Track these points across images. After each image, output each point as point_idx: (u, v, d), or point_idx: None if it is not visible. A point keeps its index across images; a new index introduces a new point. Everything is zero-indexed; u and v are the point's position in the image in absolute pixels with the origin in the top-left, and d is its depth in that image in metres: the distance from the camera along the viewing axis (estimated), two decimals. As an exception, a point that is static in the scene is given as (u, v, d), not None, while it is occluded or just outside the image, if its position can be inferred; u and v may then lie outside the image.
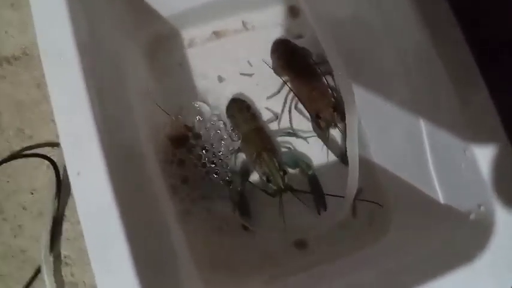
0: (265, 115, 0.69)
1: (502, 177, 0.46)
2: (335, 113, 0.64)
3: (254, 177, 0.66)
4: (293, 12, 0.71)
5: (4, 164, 0.66)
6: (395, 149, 0.61)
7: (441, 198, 0.54)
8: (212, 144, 0.67)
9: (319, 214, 0.65)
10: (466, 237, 0.49)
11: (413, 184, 0.58)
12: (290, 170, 0.65)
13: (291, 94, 0.67)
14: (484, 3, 0.65)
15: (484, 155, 0.46)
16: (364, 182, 0.64)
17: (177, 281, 0.54)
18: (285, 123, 0.69)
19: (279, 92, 0.68)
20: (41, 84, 0.69)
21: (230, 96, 0.69)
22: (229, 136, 0.67)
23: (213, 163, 0.66)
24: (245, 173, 0.65)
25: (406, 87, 0.57)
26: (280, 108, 0.69)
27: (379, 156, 0.65)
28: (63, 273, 0.64)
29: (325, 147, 0.67)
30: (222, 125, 0.68)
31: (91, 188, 0.43)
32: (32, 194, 0.66)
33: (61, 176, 0.65)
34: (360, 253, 0.60)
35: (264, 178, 0.63)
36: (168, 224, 0.58)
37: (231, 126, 0.68)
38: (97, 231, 0.42)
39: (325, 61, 0.65)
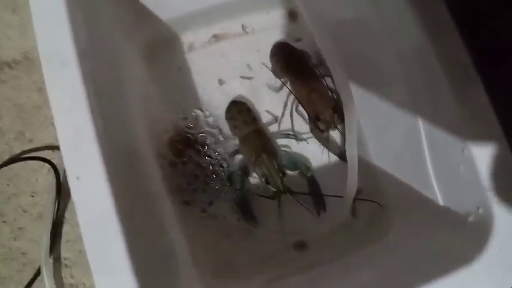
0: (265, 118, 0.69)
1: (501, 180, 0.46)
2: (335, 115, 0.64)
3: (253, 179, 0.67)
4: (292, 15, 0.71)
5: (4, 167, 0.66)
6: (394, 149, 0.62)
7: (440, 200, 0.54)
8: (211, 147, 0.67)
9: (319, 215, 0.65)
10: (465, 239, 0.49)
11: (412, 185, 0.58)
12: (289, 172, 0.66)
13: (292, 97, 0.68)
14: (482, 5, 0.65)
15: (482, 157, 0.46)
16: (364, 183, 0.64)
17: (176, 283, 0.54)
18: (285, 125, 0.69)
19: (278, 91, 0.69)
20: (41, 89, 0.69)
21: (231, 99, 0.69)
22: (227, 138, 0.68)
23: (212, 165, 0.66)
24: (244, 174, 0.66)
25: (405, 89, 0.57)
26: (280, 110, 0.69)
27: (378, 157, 0.65)
28: (63, 275, 0.64)
29: (324, 149, 0.67)
30: (220, 128, 0.68)
31: (90, 193, 0.43)
32: (32, 196, 0.67)
33: (61, 179, 0.65)
34: (360, 254, 0.60)
35: (263, 180, 0.63)
36: (168, 226, 0.58)
37: (230, 128, 0.68)
38: (96, 236, 0.42)
39: (325, 63, 0.65)
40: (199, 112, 0.68)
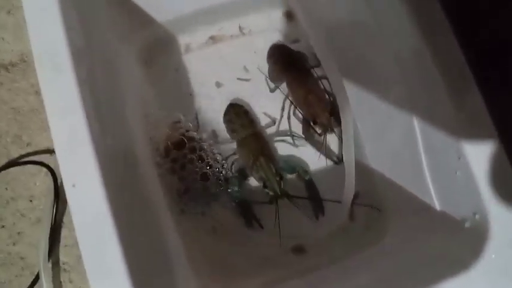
0: (263, 120, 0.69)
1: (497, 186, 0.45)
2: (331, 118, 0.64)
3: (251, 182, 0.67)
4: (289, 16, 0.71)
5: (2, 172, 0.66)
6: (391, 153, 0.61)
7: (437, 205, 0.54)
8: (208, 150, 0.67)
9: (317, 219, 0.65)
10: (461, 245, 0.49)
11: (409, 189, 0.58)
12: (287, 175, 0.65)
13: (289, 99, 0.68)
14: (478, 5, 0.65)
15: (478, 163, 0.46)
16: (361, 186, 0.64)
17: (173, 287, 0.54)
18: (283, 128, 0.69)
19: (273, 91, 0.69)
20: (39, 92, 0.68)
21: (228, 101, 0.69)
22: (224, 141, 0.68)
23: (209, 167, 0.66)
24: (242, 178, 0.65)
25: (402, 91, 0.57)
26: (278, 112, 0.69)
27: (375, 160, 0.65)
28: (61, 280, 0.65)
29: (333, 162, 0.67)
30: (217, 130, 0.68)
31: (86, 199, 0.43)
32: (31, 201, 0.67)
33: (59, 183, 0.65)
34: (357, 257, 0.60)
35: (261, 183, 0.63)
36: (165, 230, 0.58)
37: (228, 131, 0.68)
38: (92, 242, 0.42)
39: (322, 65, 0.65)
40: (196, 114, 0.68)
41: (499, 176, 0.46)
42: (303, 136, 0.67)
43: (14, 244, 0.66)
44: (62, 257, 0.65)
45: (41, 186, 0.67)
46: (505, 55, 0.63)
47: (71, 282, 0.65)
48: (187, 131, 0.67)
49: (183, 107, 0.68)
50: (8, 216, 0.66)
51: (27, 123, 0.68)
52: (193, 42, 0.71)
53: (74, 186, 0.43)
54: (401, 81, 0.56)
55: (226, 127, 0.67)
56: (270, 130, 0.69)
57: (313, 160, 0.67)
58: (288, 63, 0.67)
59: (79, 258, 0.64)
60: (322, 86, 0.67)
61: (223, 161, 0.67)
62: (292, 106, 0.67)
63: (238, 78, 0.70)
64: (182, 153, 0.66)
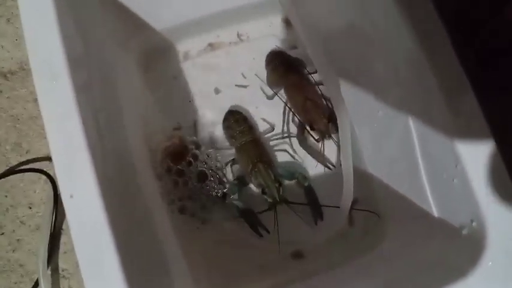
0: (262, 126, 0.69)
1: (494, 194, 0.45)
2: (329, 124, 0.64)
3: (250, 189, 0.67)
4: (288, 23, 0.71)
5: (2, 179, 0.66)
6: (389, 160, 0.61)
7: (435, 212, 0.53)
8: (207, 157, 0.67)
9: (316, 224, 0.65)
10: (459, 252, 0.49)
11: (407, 196, 0.58)
12: (286, 182, 0.66)
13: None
14: (473, 13, 0.65)
15: (475, 170, 0.46)
16: (359, 192, 0.64)
17: (172, 294, 0.54)
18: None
19: (270, 98, 0.69)
20: (38, 99, 0.69)
21: (227, 108, 0.69)
22: (223, 148, 0.68)
23: (209, 173, 0.66)
24: (242, 184, 0.66)
25: (399, 97, 0.57)
26: (275, 118, 0.69)
27: (374, 167, 0.65)
28: (61, 287, 0.65)
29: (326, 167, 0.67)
30: (216, 137, 0.68)
31: (84, 210, 0.43)
32: (30, 208, 0.67)
33: (58, 190, 0.65)
34: (355, 263, 0.60)
35: (260, 190, 0.63)
36: (164, 237, 0.58)
37: (227, 138, 0.68)
38: (90, 253, 0.42)
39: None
40: (195, 122, 0.68)
41: (496, 184, 0.46)
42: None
43: (13, 251, 0.66)
44: (61, 264, 0.66)
45: (41, 193, 0.67)
46: (500, 59, 0.63)
47: (70, 289, 0.65)
48: (186, 137, 0.67)
49: (181, 114, 0.69)
50: (7, 224, 0.67)
51: (26, 130, 0.69)
52: (192, 49, 0.71)
53: (71, 197, 0.43)
54: (398, 87, 0.56)
55: (225, 134, 0.67)
56: (269, 136, 0.69)
57: (312, 166, 0.67)
58: (286, 70, 0.67)
59: (78, 265, 0.64)
60: (320, 92, 0.67)
61: (223, 168, 0.67)
62: (291, 112, 0.67)
63: (236, 85, 0.70)
64: (181, 160, 0.66)
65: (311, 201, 0.65)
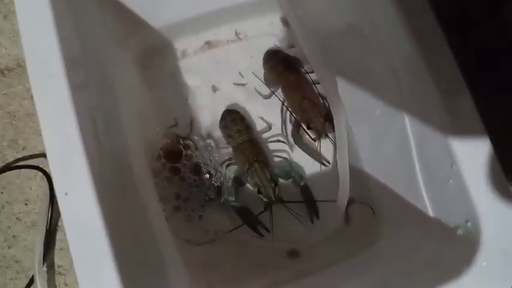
0: (259, 124, 0.69)
1: (489, 195, 0.45)
2: (326, 123, 0.64)
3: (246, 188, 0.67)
4: (285, 21, 0.71)
5: (-2, 175, 0.66)
6: (386, 160, 0.61)
7: (430, 212, 0.54)
8: (204, 155, 0.67)
9: (312, 223, 0.66)
10: (454, 252, 0.49)
11: (403, 196, 0.58)
12: (282, 181, 0.66)
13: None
14: (469, 14, 0.65)
15: (470, 170, 0.46)
16: (356, 192, 0.64)
17: (168, 293, 0.54)
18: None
19: (268, 97, 0.69)
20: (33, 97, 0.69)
21: (224, 106, 0.69)
22: (220, 146, 0.68)
23: (206, 173, 0.66)
24: (238, 184, 0.66)
25: (396, 98, 0.57)
26: (273, 116, 0.69)
27: (370, 167, 0.65)
28: (56, 283, 0.65)
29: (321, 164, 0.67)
30: (213, 136, 0.68)
31: (79, 208, 0.43)
32: (26, 204, 0.67)
33: (54, 187, 0.65)
34: (351, 261, 0.60)
35: (256, 190, 0.63)
36: (160, 236, 0.58)
37: (224, 137, 0.68)
38: (85, 251, 0.42)
39: (318, 70, 0.65)
40: (192, 120, 0.68)
41: (491, 184, 0.46)
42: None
43: (9, 247, 0.66)
44: (57, 261, 0.66)
45: (37, 190, 0.67)
46: (496, 61, 0.63)
47: (66, 285, 0.65)
48: (183, 135, 0.67)
49: (179, 111, 0.69)
50: (3, 220, 0.67)
51: (22, 127, 0.69)
52: (190, 47, 0.71)
53: (66, 194, 0.43)
54: (395, 86, 0.56)
55: (222, 133, 0.67)
56: (266, 135, 0.69)
57: (308, 165, 0.67)
58: (284, 69, 0.67)
59: (74, 262, 0.64)
60: (317, 91, 0.67)
61: (219, 166, 0.67)
62: (287, 111, 0.67)
63: (234, 83, 0.70)
64: (178, 159, 0.66)
65: (307, 200, 0.65)
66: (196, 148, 0.67)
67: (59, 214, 0.66)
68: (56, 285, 0.65)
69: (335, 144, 0.63)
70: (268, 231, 0.64)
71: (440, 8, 0.50)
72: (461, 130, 0.47)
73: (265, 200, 0.63)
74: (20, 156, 0.68)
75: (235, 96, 0.70)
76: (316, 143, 0.66)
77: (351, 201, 0.64)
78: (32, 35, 0.46)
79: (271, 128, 0.69)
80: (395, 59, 0.55)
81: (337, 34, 0.64)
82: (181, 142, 0.67)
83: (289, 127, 0.69)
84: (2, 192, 0.67)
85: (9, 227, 0.66)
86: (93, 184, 0.43)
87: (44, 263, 0.63)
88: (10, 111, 0.69)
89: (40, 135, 0.67)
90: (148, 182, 0.62)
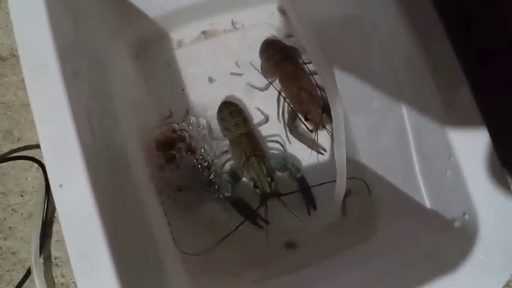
0: (256, 115, 0.69)
1: (487, 187, 0.45)
2: (323, 114, 0.64)
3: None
4: (283, 11, 0.70)
5: (-7, 167, 0.66)
6: (383, 151, 0.61)
7: (428, 204, 0.54)
8: (200, 147, 0.66)
9: (309, 214, 0.65)
10: (451, 244, 0.49)
11: (400, 188, 0.58)
12: (279, 173, 0.65)
13: (281, 96, 0.67)
14: (470, 7, 0.64)
15: (468, 163, 0.46)
16: (353, 184, 0.64)
17: (166, 284, 0.54)
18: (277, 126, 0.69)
19: (262, 90, 0.68)
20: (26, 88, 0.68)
21: (221, 97, 0.69)
22: (217, 139, 0.67)
23: (201, 165, 0.66)
24: (234, 178, 0.65)
25: (394, 89, 0.56)
26: (270, 108, 0.69)
27: (368, 159, 0.65)
28: (53, 275, 0.65)
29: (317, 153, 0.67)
30: (210, 127, 0.68)
31: (73, 200, 0.42)
32: (22, 196, 0.67)
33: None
34: (348, 253, 0.61)
35: (252, 184, 0.63)
36: (156, 228, 0.58)
37: (221, 129, 0.67)
38: (80, 243, 0.42)
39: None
40: (188, 110, 0.68)
41: (489, 177, 0.46)
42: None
43: (5, 239, 0.66)
44: (54, 252, 0.65)
45: (33, 181, 0.67)
46: (496, 55, 0.62)
47: (63, 276, 0.65)
48: (179, 127, 0.67)
49: (174, 102, 0.68)
50: (-1, 212, 0.66)
51: (17, 118, 0.68)
52: (186, 37, 0.70)
53: (61, 186, 0.42)
54: (393, 78, 0.56)
55: (220, 125, 0.67)
56: (265, 132, 0.68)
57: (305, 157, 0.67)
58: (281, 59, 0.66)
59: (70, 254, 0.64)
60: (315, 82, 0.66)
61: (215, 158, 0.66)
62: (285, 102, 0.67)
63: (231, 73, 0.69)
64: (173, 150, 0.66)
65: (304, 191, 0.65)
66: (192, 138, 0.66)
67: (55, 205, 0.65)
68: (53, 277, 0.65)
69: (332, 135, 0.62)
70: (268, 223, 0.64)
71: (441, 4, 0.49)
72: (460, 122, 0.47)
73: (260, 194, 0.62)
74: (15, 147, 0.68)
75: (231, 87, 0.69)
76: (314, 134, 0.65)
77: (347, 193, 0.64)
78: (24, 25, 0.46)
79: (268, 120, 0.68)
80: (394, 51, 0.55)
81: (336, 25, 0.64)
82: (176, 132, 0.66)
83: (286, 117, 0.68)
84: (-3, 184, 0.67)
85: (5, 218, 0.66)
86: (88, 176, 0.43)
87: (40, 255, 0.63)
88: (5, 102, 0.68)
89: (35, 126, 0.67)
90: (144, 173, 0.62)
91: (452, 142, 0.47)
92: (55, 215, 0.66)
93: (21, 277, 0.63)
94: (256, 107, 0.69)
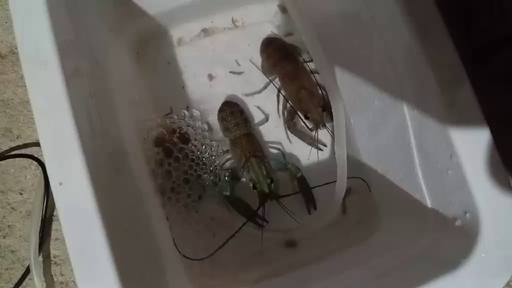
0: (256, 113, 0.69)
1: (488, 186, 0.45)
2: (324, 113, 0.64)
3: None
4: (284, 9, 0.70)
5: (-8, 165, 0.66)
6: (384, 150, 0.61)
7: (429, 202, 0.53)
8: (200, 145, 0.66)
9: (310, 214, 0.65)
10: (452, 244, 0.49)
11: (401, 186, 0.58)
12: (280, 173, 0.65)
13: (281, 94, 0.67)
14: (471, 3, 0.64)
15: (469, 162, 0.46)
16: (353, 182, 0.63)
17: (165, 283, 0.54)
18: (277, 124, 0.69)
19: (260, 91, 0.68)
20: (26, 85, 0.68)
21: (221, 95, 0.68)
22: (216, 139, 0.67)
23: (201, 164, 0.66)
24: (233, 178, 0.65)
25: (395, 87, 0.56)
26: (270, 106, 0.68)
27: (368, 157, 0.65)
28: (53, 273, 0.65)
29: (312, 148, 0.67)
30: (209, 125, 0.67)
31: (73, 198, 0.42)
32: (21, 194, 0.66)
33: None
34: (348, 252, 0.61)
35: (251, 185, 0.62)
36: (155, 226, 0.58)
37: (221, 129, 0.67)
38: (79, 241, 0.42)
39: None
40: (188, 108, 0.67)
41: (490, 176, 0.45)
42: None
43: (4, 237, 0.65)
44: (53, 251, 0.65)
45: (32, 179, 0.67)
46: (497, 51, 0.62)
47: (62, 275, 0.65)
48: (178, 125, 0.66)
49: (174, 100, 0.68)
50: (-2, 210, 0.66)
51: (17, 116, 0.68)
52: (186, 34, 0.70)
53: (60, 184, 0.42)
54: (394, 76, 0.55)
55: (220, 125, 0.66)
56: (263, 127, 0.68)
57: (305, 156, 0.67)
58: (281, 57, 0.66)
59: (69, 252, 0.64)
60: (315, 81, 0.66)
61: (215, 157, 0.66)
62: (284, 100, 0.67)
63: (231, 72, 0.69)
64: (173, 148, 0.66)
65: (304, 191, 0.65)
66: (191, 137, 0.66)
67: (54, 204, 0.65)
68: (52, 275, 0.64)
69: (333, 134, 0.62)
70: (267, 222, 0.63)
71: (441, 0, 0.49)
72: (461, 121, 0.47)
73: (259, 196, 0.62)
74: (14, 145, 0.67)
75: (231, 85, 0.69)
76: (313, 133, 0.65)
77: (348, 192, 0.63)
78: (24, 22, 0.45)
79: (268, 119, 0.68)
80: (395, 49, 0.54)
81: (337, 23, 0.63)
82: (177, 131, 0.66)
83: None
84: (-4, 182, 0.67)
85: (4, 216, 0.66)
86: (88, 174, 0.43)
87: (39, 253, 0.63)
88: (4, 99, 0.68)
89: (35, 123, 0.67)
90: (144, 170, 0.62)
91: (453, 141, 0.47)
92: (54, 213, 0.66)
93: (20, 275, 0.63)
94: (256, 105, 0.69)
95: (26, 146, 0.67)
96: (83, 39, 0.52)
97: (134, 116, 0.62)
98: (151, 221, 0.57)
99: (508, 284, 0.46)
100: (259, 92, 0.68)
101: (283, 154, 0.67)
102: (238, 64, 0.69)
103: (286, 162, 0.65)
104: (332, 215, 0.63)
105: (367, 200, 0.64)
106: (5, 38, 0.70)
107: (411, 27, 0.50)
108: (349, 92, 0.62)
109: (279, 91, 0.67)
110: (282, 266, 0.62)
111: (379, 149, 0.62)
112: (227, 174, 0.64)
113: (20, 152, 0.67)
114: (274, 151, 0.68)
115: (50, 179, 0.43)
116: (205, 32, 0.70)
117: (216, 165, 0.66)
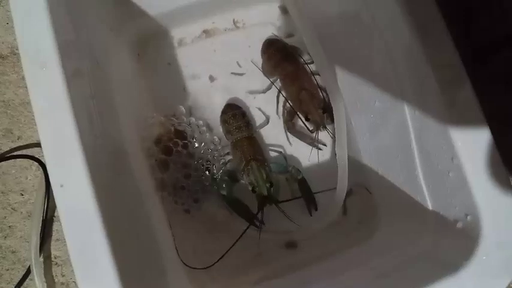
0: (257, 115, 0.69)
1: (489, 189, 0.45)
2: (324, 115, 0.64)
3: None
4: (284, 10, 0.70)
5: (-7, 166, 0.66)
6: (385, 152, 0.61)
7: (429, 204, 0.53)
8: (200, 146, 0.66)
9: (311, 215, 0.65)
10: (452, 246, 0.49)
11: (402, 188, 0.58)
12: (280, 176, 0.65)
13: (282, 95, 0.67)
14: (472, 3, 0.64)
15: (470, 164, 0.46)
16: (354, 183, 0.63)
17: (166, 284, 0.54)
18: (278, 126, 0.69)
19: (264, 92, 0.68)
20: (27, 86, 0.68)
21: (222, 96, 0.68)
22: (218, 142, 0.67)
23: (201, 165, 0.66)
24: (232, 180, 0.65)
25: (395, 88, 0.56)
26: (271, 108, 0.68)
27: (369, 159, 0.65)
28: (53, 274, 0.65)
29: (313, 149, 0.67)
30: (210, 126, 0.67)
31: (75, 200, 0.42)
32: (22, 195, 0.66)
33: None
34: (348, 253, 0.61)
35: (250, 188, 0.62)
36: (156, 228, 0.58)
37: (223, 131, 0.67)
38: (80, 242, 0.42)
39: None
40: (188, 109, 0.67)
41: (492, 178, 0.45)
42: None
43: (5, 238, 0.65)
44: (54, 251, 0.65)
45: (32, 180, 0.67)
46: (497, 51, 0.62)
47: (63, 276, 0.65)
48: (179, 126, 0.66)
49: (175, 101, 0.68)
50: (-1, 210, 0.66)
51: (17, 116, 0.68)
52: (187, 35, 0.69)
53: (62, 186, 0.42)
54: (395, 78, 0.55)
55: (222, 127, 0.66)
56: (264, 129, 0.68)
57: (306, 157, 0.67)
58: (282, 59, 0.66)
59: (70, 253, 0.64)
60: (316, 82, 0.66)
61: (215, 158, 0.66)
62: (285, 101, 0.67)
63: (232, 73, 0.69)
64: (174, 149, 0.65)
65: (305, 192, 0.65)
66: (191, 137, 0.66)
67: (55, 204, 0.65)
68: (52, 276, 0.64)
69: (334, 136, 0.62)
70: (263, 223, 0.63)
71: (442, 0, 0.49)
72: (462, 121, 0.47)
73: (258, 199, 0.62)
74: (15, 146, 0.67)
75: (232, 86, 0.69)
76: (314, 134, 0.65)
77: (349, 193, 0.63)
78: (25, 22, 0.45)
79: (268, 121, 0.68)
80: (395, 49, 0.54)
81: (337, 23, 0.63)
82: (177, 132, 0.66)
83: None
84: (-3, 183, 0.67)
85: (5, 217, 0.66)
86: (89, 175, 0.43)
87: (40, 254, 0.63)
88: (5, 100, 0.68)
89: (35, 124, 0.67)
90: (144, 171, 0.62)
91: (454, 142, 0.47)
92: (55, 214, 0.66)
93: (21, 276, 0.63)
94: (257, 107, 0.68)
95: (26, 146, 0.67)
96: (84, 39, 0.52)
97: (134, 116, 0.62)
98: (151, 221, 0.57)
99: (509, 285, 0.46)
100: (264, 92, 0.68)
101: (285, 157, 0.67)
102: (239, 65, 0.69)
103: (287, 164, 0.65)
104: (333, 216, 0.63)
105: (368, 201, 0.64)
106: (6, 39, 0.70)
107: (411, 27, 0.50)
108: (350, 92, 0.62)
109: (279, 92, 0.67)
110: (282, 267, 0.62)
111: (380, 150, 0.62)
112: (226, 174, 0.64)
113: (20, 153, 0.67)
114: (275, 153, 0.67)
115: (50, 180, 0.43)
116: (206, 33, 0.70)
117: (215, 166, 0.66)
